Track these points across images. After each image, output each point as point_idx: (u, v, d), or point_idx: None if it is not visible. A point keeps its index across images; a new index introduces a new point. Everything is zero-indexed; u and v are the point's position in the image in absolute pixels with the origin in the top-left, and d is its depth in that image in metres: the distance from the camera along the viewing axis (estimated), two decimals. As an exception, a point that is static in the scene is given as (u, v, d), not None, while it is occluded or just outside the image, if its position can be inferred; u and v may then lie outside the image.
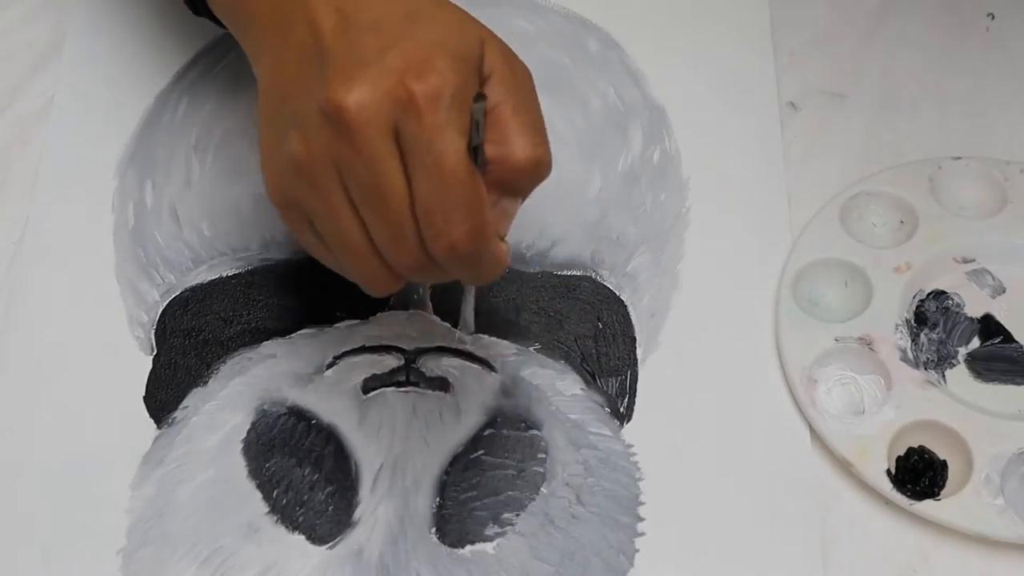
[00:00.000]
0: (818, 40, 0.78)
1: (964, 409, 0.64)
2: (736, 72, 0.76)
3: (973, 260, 0.69)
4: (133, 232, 0.71)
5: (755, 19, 0.78)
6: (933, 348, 0.67)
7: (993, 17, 0.78)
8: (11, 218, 0.72)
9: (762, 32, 0.78)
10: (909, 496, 0.62)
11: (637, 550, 0.62)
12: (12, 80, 0.77)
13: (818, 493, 0.63)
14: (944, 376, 0.66)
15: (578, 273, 0.70)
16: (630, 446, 0.64)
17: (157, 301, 0.69)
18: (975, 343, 0.67)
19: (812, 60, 0.77)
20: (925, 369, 0.66)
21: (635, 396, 0.66)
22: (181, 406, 0.65)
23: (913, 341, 0.66)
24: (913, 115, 0.75)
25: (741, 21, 0.78)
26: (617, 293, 0.69)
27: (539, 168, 0.55)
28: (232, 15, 0.61)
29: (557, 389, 0.66)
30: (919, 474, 0.62)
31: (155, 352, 0.67)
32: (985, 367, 0.66)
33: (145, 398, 0.66)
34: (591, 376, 0.66)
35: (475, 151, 0.53)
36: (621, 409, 0.66)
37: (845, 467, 0.63)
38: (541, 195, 0.71)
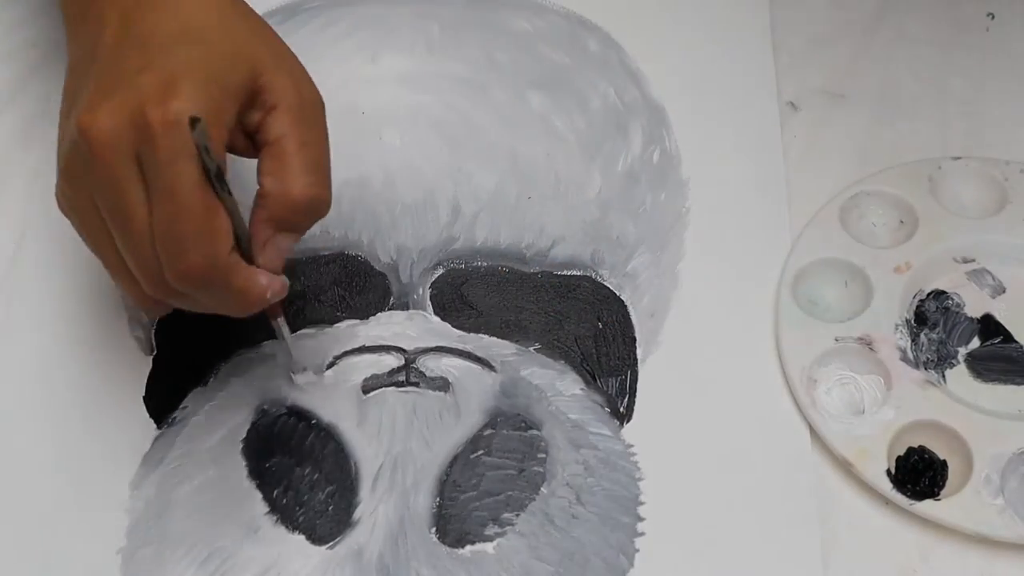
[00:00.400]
0: (818, 40, 0.78)
1: (964, 409, 0.64)
2: (736, 72, 0.76)
3: (973, 260, 0.69)
4: (133, 232, 0.71)
5: (755, 19, 0.78)
6: (933, 348, 0.67)
7: (993, 17, 0.78)
8: (11, 218, 0.72)
9: (762, 32, 0.78)
10: (909, 496, 0.62)
11: (637, 550, 0.61)
12: (12, 80, 0.77)
13: (818, 493, 0.63)
14: (944, 376, 0.66)
15: (578, 273, 0.70)
16: (630, 446, 0.64)
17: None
18: (975, 343, 0.67)
19: (812, 60, 0.77)
20: (925, 369, 0.66)
21: (635, 396, 0.66)
22: (181, 406, 0.65)
23: (913, 341, 0.66)
24: (913, 115, 0.75)
25: (741, 21, 0.78)
26: (617, 293, 0.69)
27: (315, 207, 0.56)
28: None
29: (557, 389, 0.66)
30: (919, 474, 0.62)
31: (155, 352, 0.67)
32: (985, 367, 0.66)
33: (145, 398, 0.66)
34: (591, 376, 0.66)
35: (217, 177, 0.53)
36: (621, 409, 0.66)
37: (845, 467, 0.63)
38: (541, 195, 0.72)
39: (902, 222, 0.70)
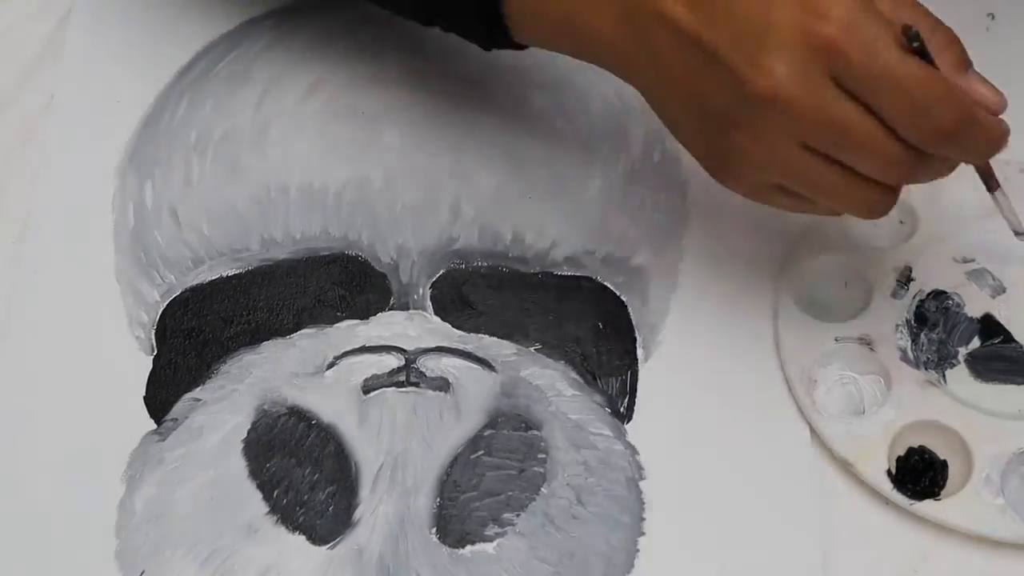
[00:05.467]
0: (818, 40, 0.78)
1: (964, 409, 0.64)
2: (736, 72, 0.76)
3: (973, 260, 0.69)
4: (133, 232, 0.71)
5: (755, 19, 0.78)
6: (933, 348, 0.67)
7: (993, 17, 0.78)
8: (11, 218, 0.72)
9: (762, 32, 0.78)
10: (909, 496, 0.62)
11: (637, 550, 0.62)
12: (13, 79, 0.77)
13: (818, 493, 0.63)
14: (944, 376, 0.66)
15: (578, 273, 0.70)
16: (630, 446, 0.64)
17: (157, 301, 0.69)
18: (975, 343, 0.67)
19: (812, 60, 0.77)
20: (925, 369, 0.66)
21: (635, 396, 0.66)
22: (181, 406, 0.65)
23: (913, 341, 0.66)
24: (913, 115, 0.75)
25: (741, 21, 0.78)
26: (617, 293, 0.69)
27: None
28: (564, 38, 0.63)
29: (557, 389, 0.66)
30: (919, 474, 0.62)
31: (155, 352, 0.67)
32: (985, 367, 0.66)
33: (145, 398, 0.66)
34: (591, 376, 0.66)
35: (918, 52, 0.55)
36: (621, 409, 0.66)
37: (845, 467, 0.63)
38: (541, 195, 0.72)
39: (902, 222, 0.70)
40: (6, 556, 0.62)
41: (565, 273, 0.69)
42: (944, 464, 0.63)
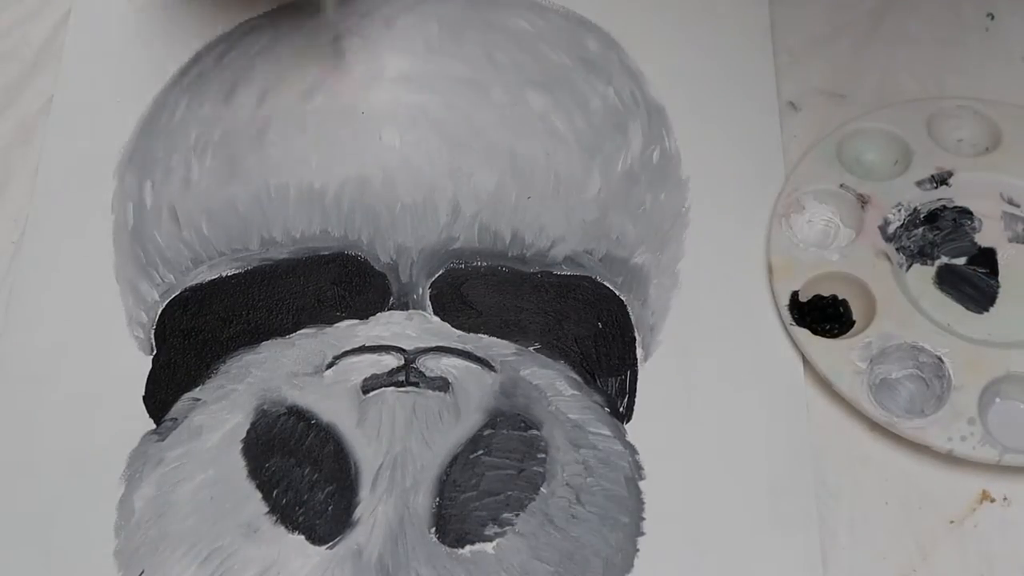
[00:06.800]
0: (818, 40, 0.78)
1: (898, 292, 0.65)
2: (736, 72, 0.76)
3: (1018, 206, 0.69)
4: (132, 232, 0.71)
5: (755, 19, 0.78)
6: (920, 243, 0.67)
7: (993, 17, 0.78)
8: (11, 218, 0.72)
9: (762, 32, 0.78)
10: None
11: (637, 550, 0.62)
12: (12, 79, 0.77)
13: (820, 494, 0.63)
14: (909, 264, 0.67)
15: (578, 273, 0.70)
16: (630, 446, 0.64)
17: (157, 301, 0.69)
18: (960, 261, 0.68)
19: (812, 60, 0.77)
20: (896, 250, 0.67)
21: (635, 396, 0.66)
22: (180, 406, 0.65)
23: (907, 228, 0.67)
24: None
25: (741, 21, 0.78)
26: (617, 293, 0.69)
27: None
28: None
29: (557, 389, 0.66)
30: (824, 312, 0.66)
31: (155, 352, 0.67)
32: (953, 278, 0.67)
33: (145, 398, 0.66)
34: (591, 376, 0.66)
35: None
36: (621, 409, 0.66)
37: (847, 464, 0.63)
38: (541, 195, 0.72)
39: (988, 149, 0.71)
40: (6, 556, 0.62)
41: (564, 273, 0.69)
42: (845, 303, 0.66)
